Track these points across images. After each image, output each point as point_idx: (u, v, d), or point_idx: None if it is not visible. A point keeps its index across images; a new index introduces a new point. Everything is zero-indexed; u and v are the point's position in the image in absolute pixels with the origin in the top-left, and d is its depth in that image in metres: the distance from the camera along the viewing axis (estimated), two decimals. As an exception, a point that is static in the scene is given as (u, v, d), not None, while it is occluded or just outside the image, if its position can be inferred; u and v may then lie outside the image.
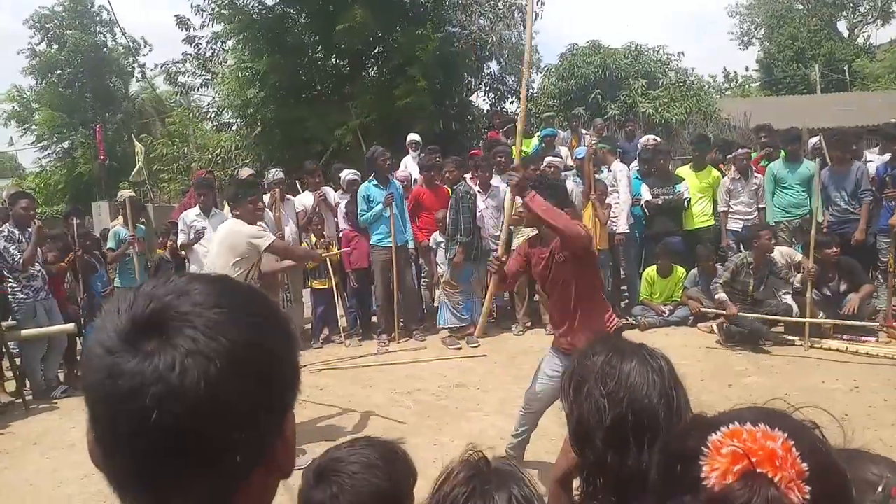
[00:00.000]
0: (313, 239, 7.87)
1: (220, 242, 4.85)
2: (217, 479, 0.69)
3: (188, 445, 0.67)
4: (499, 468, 1.20)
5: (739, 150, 8.12)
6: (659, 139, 10.09)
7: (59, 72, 22.93)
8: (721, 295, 6.71)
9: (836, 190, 7.31)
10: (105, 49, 23.84)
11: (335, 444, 1.62)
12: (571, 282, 3.68)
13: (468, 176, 8.34)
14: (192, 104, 18.38)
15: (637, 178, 8.42)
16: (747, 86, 31.97)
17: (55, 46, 23.06)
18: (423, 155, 9.38)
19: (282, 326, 0.78)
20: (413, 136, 9.87)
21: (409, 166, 9.28)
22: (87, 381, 0.70)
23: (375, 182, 7.66)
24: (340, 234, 8.11)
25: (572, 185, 8.29)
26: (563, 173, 8.43)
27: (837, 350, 6.21)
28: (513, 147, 9.62)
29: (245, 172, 9.28)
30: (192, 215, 7.28)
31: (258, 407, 0.70)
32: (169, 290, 0.72)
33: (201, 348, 0.67)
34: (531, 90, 17.05)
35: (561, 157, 8.83)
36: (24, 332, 6.21)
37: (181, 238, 7.31)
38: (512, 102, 16.58)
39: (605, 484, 1.36)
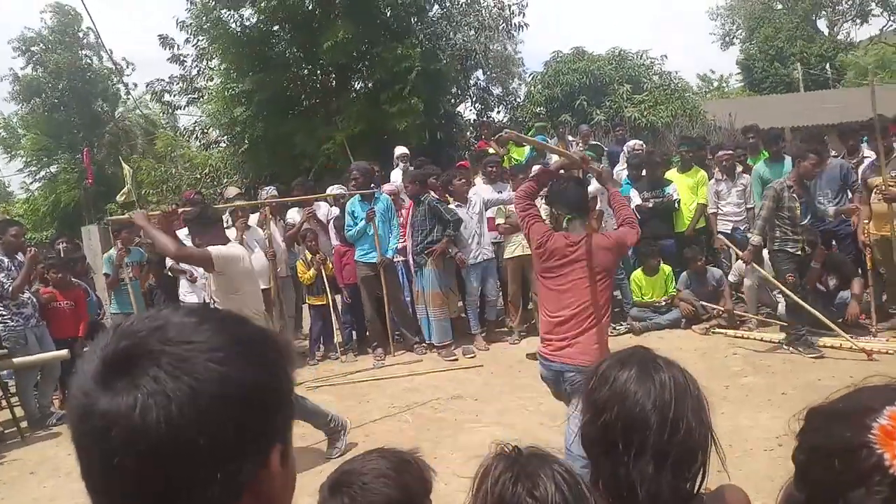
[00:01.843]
0: (308, 256, 7.87)
1: None
2: None
3: (154, 485, 0.67)
4: (533, 453, 1.24)
5: (721, 152, 8.15)
6: (644, 144, 10.14)
7: (43, 95, 22.84)
8: (755, 238, 6.38)
9: (817, 188, 7.33)
10: (90, 73, 23.78)
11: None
12: None
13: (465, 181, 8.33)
14: (179, 125, 18.38)
15: (627, 182, 8.45)
16: (727, 86, 32.15)
17: (39, 70, 22.99)
18: (411, 168, 9.38)
19: (264, 355, 0.76)
20: (401, 150, 9.86)
21: (399, 179, 9.28)
22: (68, 419, 0.72)
23: (360, 198, 7.65)
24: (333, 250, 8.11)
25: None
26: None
27: (832, 347, 6.23)
28: (503, 156, 9.71)
29: (232, 192, 9.26)
30: (181, 236, 7.26)
31: (227, 441, 0.69)
32: (145, 326, 0.72)
33: (163, 388, 0.67)
34: (516, 99, 17.13)
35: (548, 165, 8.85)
36: (17, 361, 6.15)
37: (169, 262, 7.32)
38: (498, 112, 16.65)
39: (605, 491, 1.37)
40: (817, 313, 6.23)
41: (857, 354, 5.93)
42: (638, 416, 1.33)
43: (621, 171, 9.05)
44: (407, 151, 9.83)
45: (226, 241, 4.72)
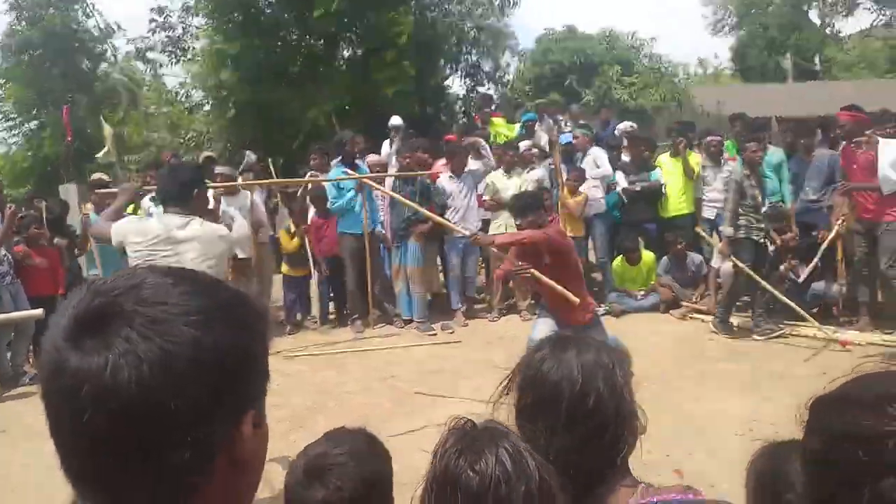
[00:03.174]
0: (291, 227, 7.80)
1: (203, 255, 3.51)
2: (163, 476, 0.69)
3: (125, 444, 0.67)
4: (486, 427, 1.26)
5: (709, 137, 8.14)
6: (635, 126, 10.10)
7: (29, 52, 22.32)
8: (728, 230, 6.49)
9: (805, 179, 7.36)
10: (76, 28, 23.25)
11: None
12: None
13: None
14: (163, 86, 18.04)
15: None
16: (721, 73, 32.18)
17: (23, 24, 22.42)
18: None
19: (242, 319, 0.76)
20: (396, 120, 9.43)
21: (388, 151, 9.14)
22: (39, 376, 0.71)
23: (344, 168, 7.56)
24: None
25: (544, 172, 8.28)
26: (539, 160, 8.45)
27: (806, 336, 6.31)
28: (490, 132, 9.65)
29: (203, 156, 9.12)
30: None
31: (200, 405, 0.69)
32: (119, 286, 0.71)
33: (134, 348, 0.66)
34: (506, 75, 17.04)
35: (531, 142, 8.83)
36: (-9, 318, 6.08)
37: None
38: (488, 88, 16.57)
39: None
40: (792, 303, 6.27)
41: (830, 344, 6.01)
42: (541, 396, 1.40)
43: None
44: (401, 123, 9.39)
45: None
